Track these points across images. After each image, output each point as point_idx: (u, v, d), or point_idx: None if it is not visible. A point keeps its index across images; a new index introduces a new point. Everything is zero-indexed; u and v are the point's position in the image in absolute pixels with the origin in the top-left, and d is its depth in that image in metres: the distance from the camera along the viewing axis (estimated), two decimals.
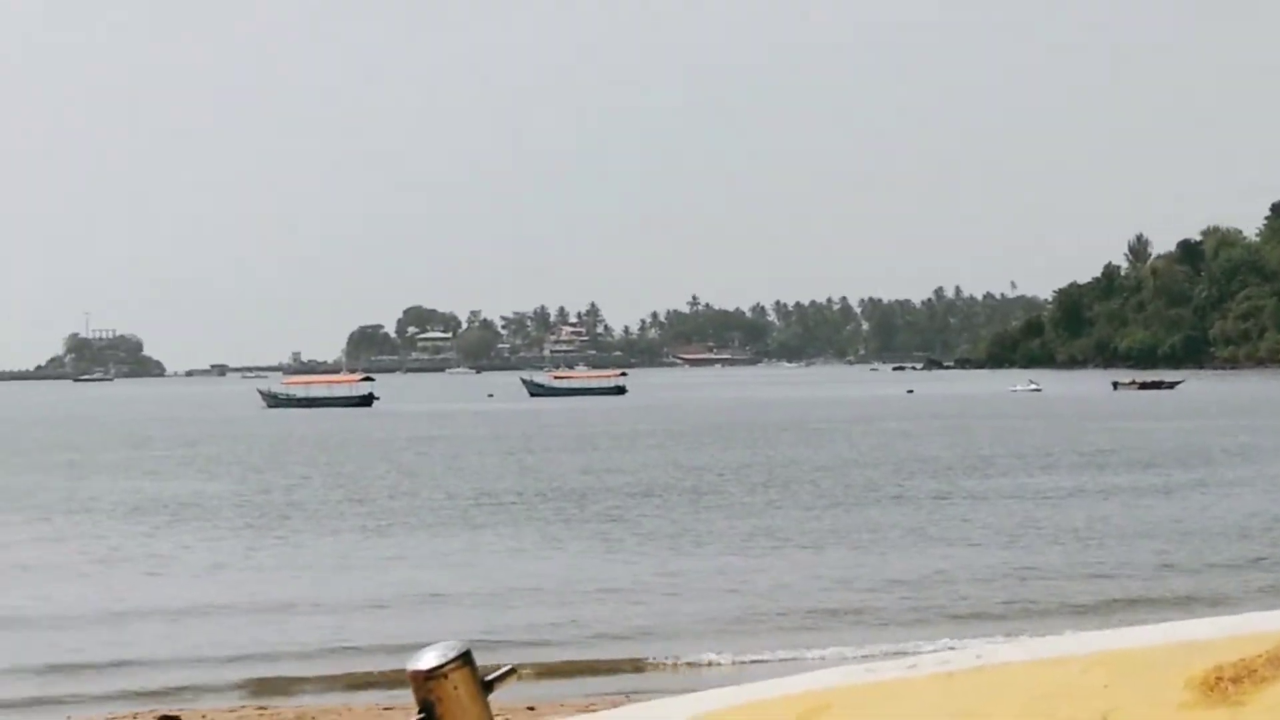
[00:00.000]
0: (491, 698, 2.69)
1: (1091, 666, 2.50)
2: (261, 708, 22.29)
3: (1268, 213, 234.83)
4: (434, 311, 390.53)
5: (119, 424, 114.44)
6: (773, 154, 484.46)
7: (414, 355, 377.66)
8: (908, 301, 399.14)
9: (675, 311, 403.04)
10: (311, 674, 24.94)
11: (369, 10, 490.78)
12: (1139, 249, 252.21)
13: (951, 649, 2.76)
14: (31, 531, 43.46)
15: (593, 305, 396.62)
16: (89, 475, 63.42)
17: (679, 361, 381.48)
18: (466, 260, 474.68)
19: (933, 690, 2.54)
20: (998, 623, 27.78)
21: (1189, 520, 41.56)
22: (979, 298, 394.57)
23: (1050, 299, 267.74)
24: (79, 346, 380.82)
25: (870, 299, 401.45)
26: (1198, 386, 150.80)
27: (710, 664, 24.90)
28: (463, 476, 59.37)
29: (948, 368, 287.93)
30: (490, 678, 2.66)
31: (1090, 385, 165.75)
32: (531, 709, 19.04)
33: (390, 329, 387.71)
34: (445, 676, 2.61)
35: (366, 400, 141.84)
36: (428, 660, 2.63)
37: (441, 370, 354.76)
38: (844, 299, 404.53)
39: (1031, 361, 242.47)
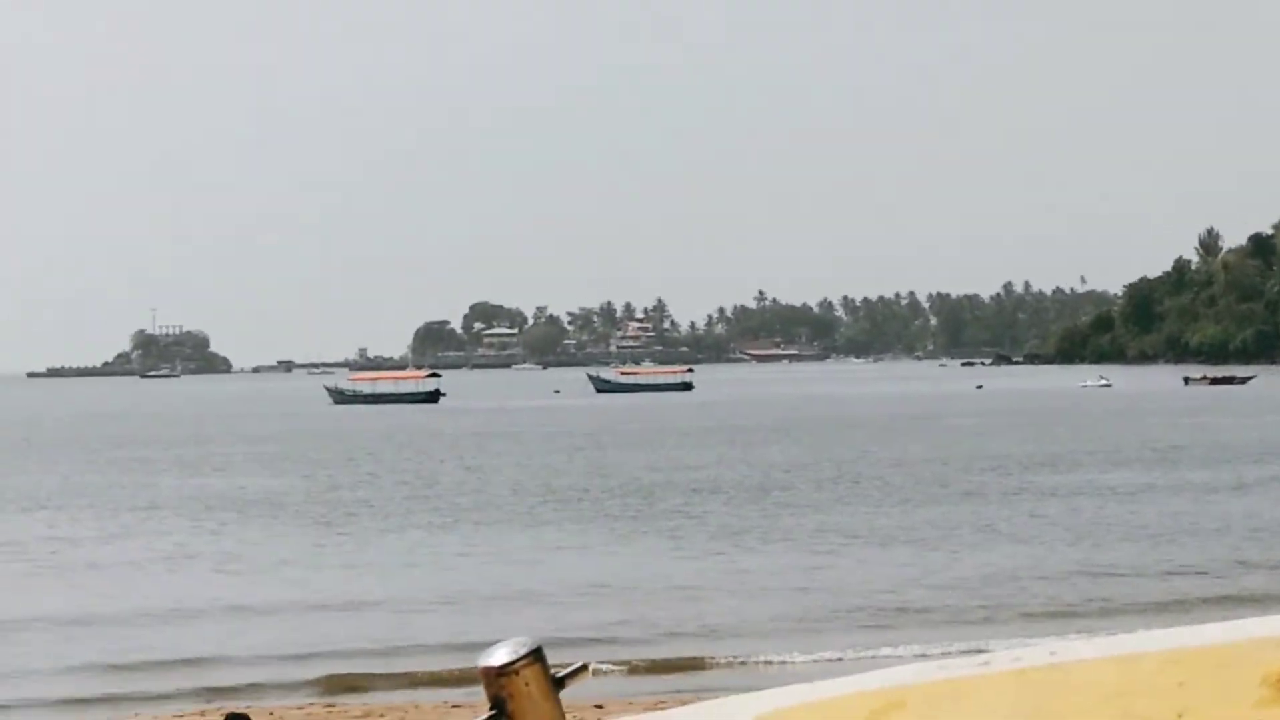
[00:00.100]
0: (561, 695, 2.66)
1: (1166, 664, 2.48)
2: (329, 705, 22.23)
3: None
4: (500, 307, 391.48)
5: (186, 421, 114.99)
6: (840, 149, 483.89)
7: (480, 351, 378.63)
8: (976, 296, 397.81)
9: (742, 307, 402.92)
10: (379, 671, 24.89)
11: (454, 6, 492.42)
12: (1210, 243, 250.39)
13: (1025, 646, 2.71)
14: (100, 529, 43.61)
15: (659, 301, 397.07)
16: (156, 472, 63.67)
17: (746, 357, 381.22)
18: (533, 256, 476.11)
19: (1006, 687, 2.51)
20: (1070, 620, 27.52)
21: (1262, 517, 41.11)
22: (1048, 292, 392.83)
23: (1120, 294, 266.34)
24: (145, 343, 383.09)
25: (938, 294, 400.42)
26: (1270, 382, 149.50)
27: (779, 663, 24.72)
28: (529, 473, 59.32)
29: (1017, 363, 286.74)
30: (562, 674, 2.65)
31: (1161, 381, 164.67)
32: (599, 707, 18.89)
33: (456, 325, 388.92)
34: (517, 673, 2.59)
35: (433, 396, 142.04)
36: (499, 656, 2.61)
37: (508, 366, 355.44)
38: (912, 294, 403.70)
39: (1101, 357, 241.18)
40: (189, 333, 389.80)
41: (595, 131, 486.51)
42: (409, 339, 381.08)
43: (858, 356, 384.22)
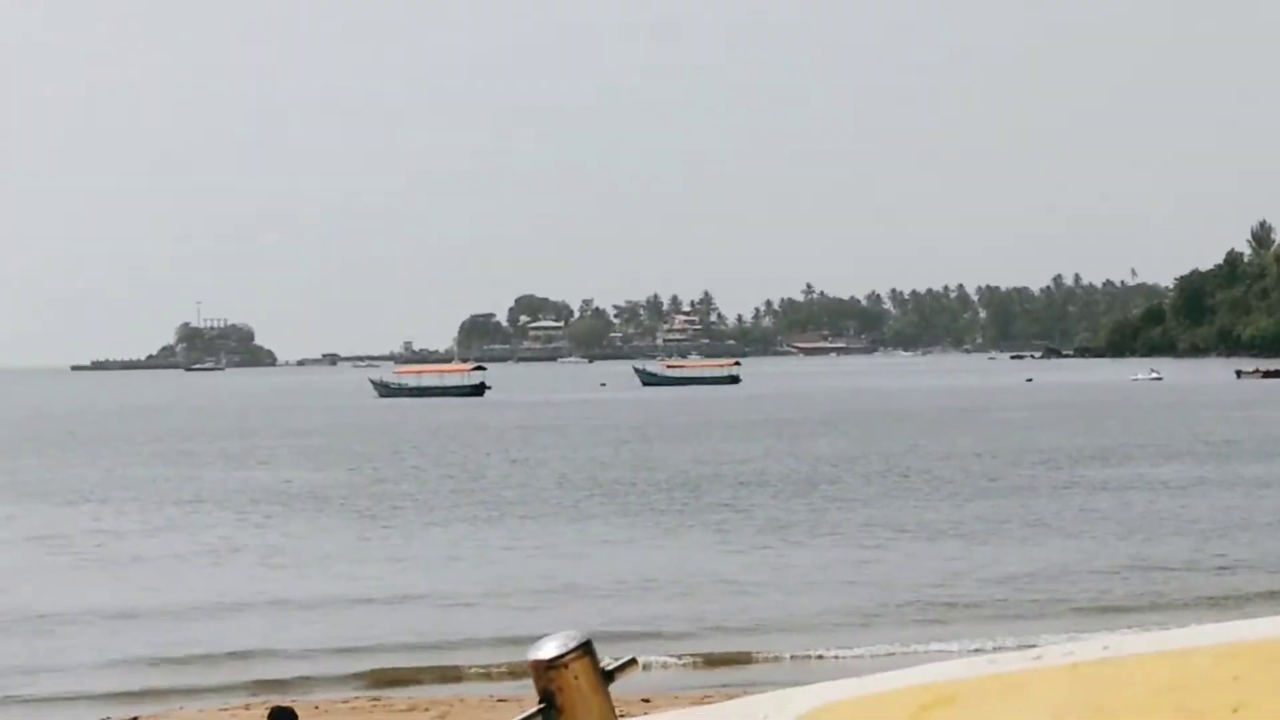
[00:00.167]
0: (610, 689, 2.67)
1: (1221, 659, 2.45)
2: (375, 699, 22.13)
3: None
4: (546, 300, 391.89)
5: (230, 414, 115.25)
6: (888, 139, 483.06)
7: (526, 344, 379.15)
8: (1026, 289, 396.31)
9: (790, 300, 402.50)
10: (424, 664, 24.78)
11: (489, 4, 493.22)
12: (1262, 235, 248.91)
13: (1077, 640, 2.69)
14: (145, 522, 43.61)
15: (706, 294, 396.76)
16: (201, 465, 63.73)
17: (793, 350, 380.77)
18: (579, 248, 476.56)
19: (1058, 681, 2.48)
20: (1121, 615, 27.26)
21: None
22: (1098, 285, 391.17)
23: (1171, 286, 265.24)
24: (190, 336, 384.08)
25: (988, 287, 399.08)
26: None
27: (827, 657, 24.52)
28: (575, 466, 59.17)
29: (1067, 356, 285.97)
30: (611, 667, 2.65)
31: (1213, 374, 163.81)
32: (646, 701, 18.69)
33: (502, 318, 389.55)
34: (566, 666, 2.61)
35: (478, 390, 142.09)
36: (548, 649, 2.62)
37: (553, 359, 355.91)
38: (961, 287, 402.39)
39: (1152, 350, 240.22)
40: (234, 326, 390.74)
41: (643, 127, 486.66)
42: (454, 332, 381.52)
43: (906, 349, 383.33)
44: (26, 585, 32.38)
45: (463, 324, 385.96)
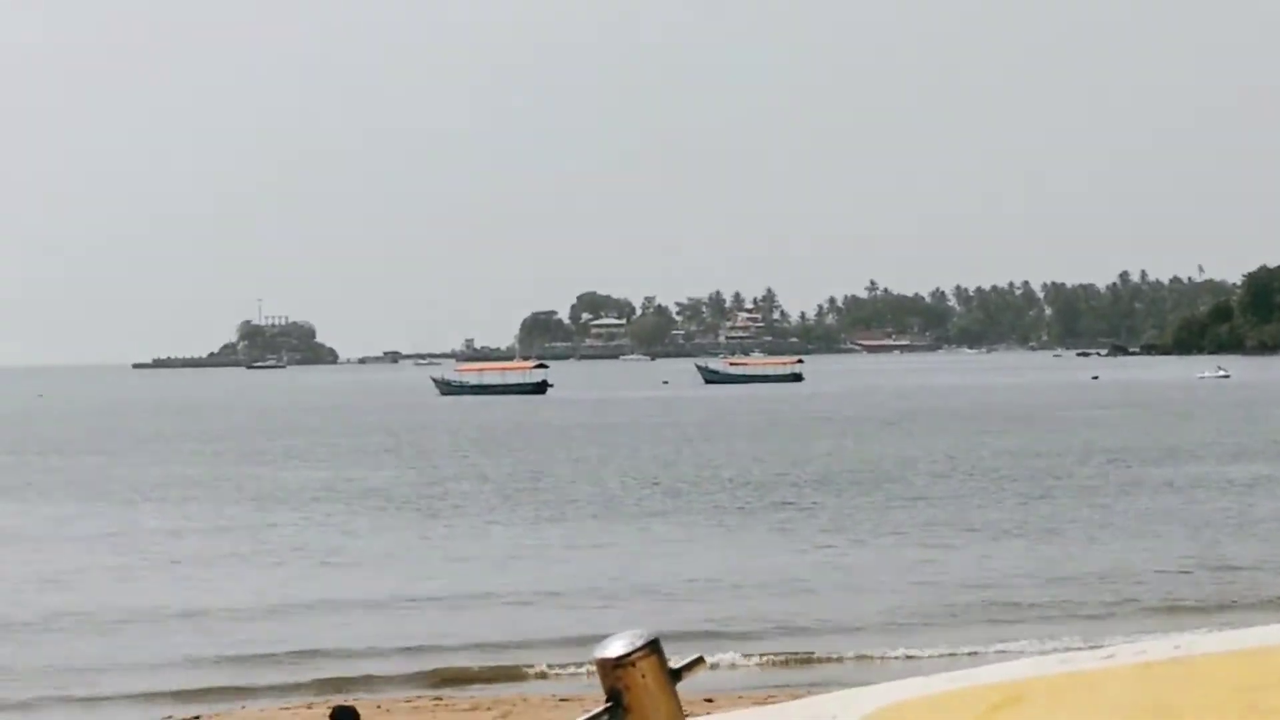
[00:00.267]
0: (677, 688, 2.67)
1: None
2: (437, 699, 22.07)
3: None
4: (608, 297, 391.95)
5: (292, 412, 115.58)
6: (952, 138, 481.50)
7: (588, 342, 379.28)
8: (1091, 286, 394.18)
9: (853, 297, 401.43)
10: (487, 664, 24.69)
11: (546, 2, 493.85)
12: None
13: (1147, 640, 2.70)
14: (207, 521, 43.66)
15: (769, 291, 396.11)
16: (263, 464, 63.86)
17: (857, 348, 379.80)
18: (641, 246, 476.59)
19: (1129, 681, 2.48)
20: (1192, 615, 26.99)
21: None
22: (1165, 282, 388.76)
23: (1239, 283, 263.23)
24: (252, 333, 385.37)
25: (1053, 284, 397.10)
26: None
27: (893, 657, 24.33)
28: (638, 465, 59.04)
29: (1133, 354, 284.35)
30: (678, 666, 2.66)
31: None
32: (709, 700, 18.54)
33: (564, 315, 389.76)
34: (633, 665, 2.62)
35: (540, 387, 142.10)
36: (616, 648, 2.63)
37: (615, 357, 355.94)
38: (1026, 284, 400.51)
39: (1220, 347, 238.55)
40: (295, 323, 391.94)
41: (702, 122, 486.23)
42: (516, 330, 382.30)
43: (970, 347, 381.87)
44: (90, 584, 32.48)
45: (524, 321, 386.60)
